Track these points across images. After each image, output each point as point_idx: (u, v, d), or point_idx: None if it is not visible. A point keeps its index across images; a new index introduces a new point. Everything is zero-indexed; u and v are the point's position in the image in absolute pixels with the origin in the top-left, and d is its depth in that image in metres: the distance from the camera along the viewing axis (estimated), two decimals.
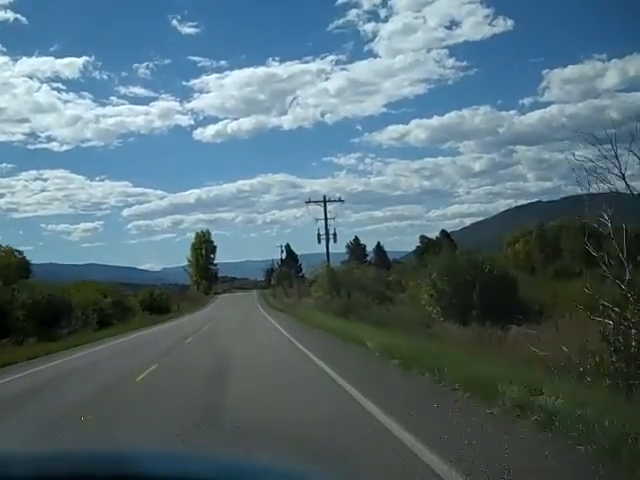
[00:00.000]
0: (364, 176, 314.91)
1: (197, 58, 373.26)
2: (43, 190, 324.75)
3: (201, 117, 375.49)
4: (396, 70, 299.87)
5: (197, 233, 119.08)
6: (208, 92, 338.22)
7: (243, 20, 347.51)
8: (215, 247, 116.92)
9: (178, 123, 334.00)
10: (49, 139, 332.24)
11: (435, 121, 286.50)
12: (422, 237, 76.68)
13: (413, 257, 71.05)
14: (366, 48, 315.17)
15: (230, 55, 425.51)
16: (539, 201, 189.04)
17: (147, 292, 58.73)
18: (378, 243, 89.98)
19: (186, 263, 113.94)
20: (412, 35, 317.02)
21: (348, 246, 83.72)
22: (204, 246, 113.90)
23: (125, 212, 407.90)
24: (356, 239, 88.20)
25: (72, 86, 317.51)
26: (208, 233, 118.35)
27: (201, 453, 1.59)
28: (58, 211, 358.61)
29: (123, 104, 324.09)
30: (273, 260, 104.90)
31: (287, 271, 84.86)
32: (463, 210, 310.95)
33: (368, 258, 79.22)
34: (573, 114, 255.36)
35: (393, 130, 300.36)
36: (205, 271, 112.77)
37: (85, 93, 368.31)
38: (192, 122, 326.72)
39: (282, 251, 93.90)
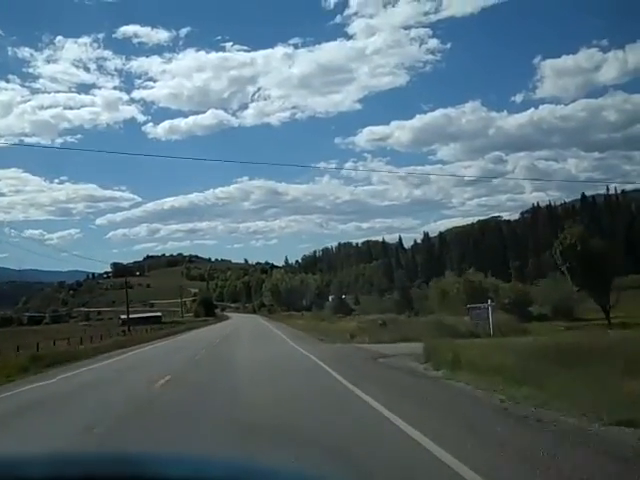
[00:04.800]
0: (348, 182, 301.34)
1: (131, 27, 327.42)
2: None
3: (152, 109, 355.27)
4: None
5: None
6: (155, 81, 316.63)
7: None
8: None
9: (126, 117, 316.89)
10: None
11: (417, 122, 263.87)
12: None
13: None
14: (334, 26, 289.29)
15: (172, 26, 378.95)
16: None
17: None
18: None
19: None
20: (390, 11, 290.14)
21: None
22: None
23: (98, 220, 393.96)
24: None
25: None
26: None
27: (211, 456, 1.43)
28: (22, 215, 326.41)
29: (57, 90, 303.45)
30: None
31: None
32: (458, 223, 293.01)
33: None
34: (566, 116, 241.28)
35: (372, 131, 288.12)
36: None
37: (10, 76, 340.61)
38: (142, 116, 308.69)
39: None
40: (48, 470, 1.21)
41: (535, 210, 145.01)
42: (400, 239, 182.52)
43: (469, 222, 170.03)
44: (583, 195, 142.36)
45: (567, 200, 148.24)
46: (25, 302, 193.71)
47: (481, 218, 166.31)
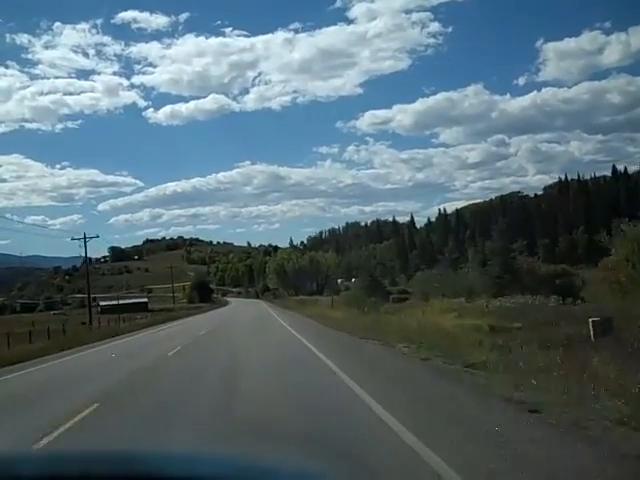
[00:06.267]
0: (351, 165, 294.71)
1: (129, 13, 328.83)
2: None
3: (152, 95, 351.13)
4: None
5: None
6: (155, 66, 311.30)
7: None
8: None
9: (126, 102, 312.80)
10: None
11: (419, 105, 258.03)
12: None
13: None
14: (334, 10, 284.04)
15: (171, 12, 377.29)
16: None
17: None
18: None
19: None
20: None
21: None
22: None
23: (101, 206, 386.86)
24: None
25: None
26: None
27: (211, 453, 1.48)
28: (24, 201, 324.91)
29: (57, 76, 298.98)
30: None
31: None
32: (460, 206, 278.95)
33: None
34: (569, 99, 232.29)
35: (374, 115, 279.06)
36: None
37: (8, 62, 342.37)
38: (143, 101, 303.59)
39: None
40: (45, 468, 1.20)
41: (562, 184, 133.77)
42: (412, 218, 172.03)
43: (486, 199, 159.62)
44: (614, 168, 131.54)
45: (597, 174, 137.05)
46: (21, 288, 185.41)
47: (502, 194, 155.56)
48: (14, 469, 1.19)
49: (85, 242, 45.22)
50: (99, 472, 1.19)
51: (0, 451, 1.46)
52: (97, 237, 47.76)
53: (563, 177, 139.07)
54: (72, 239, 46.76)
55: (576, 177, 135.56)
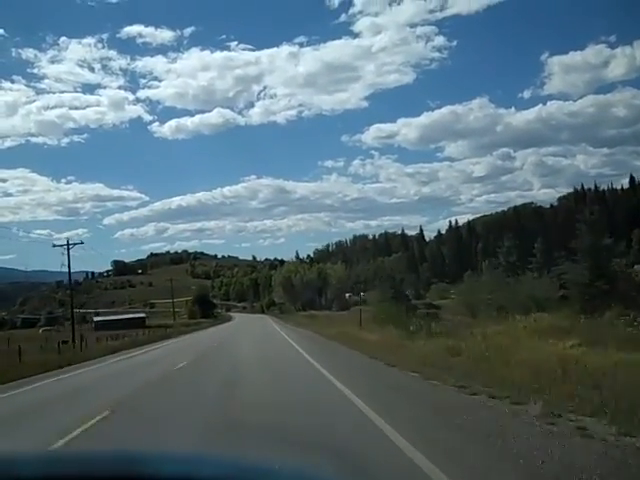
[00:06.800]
0: (356, 179, 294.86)
1: (135, 28, 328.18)
2: (5, 192, 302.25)
3: (158, 109, 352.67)
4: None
5: None
6: (160, 80, 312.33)
7: None
8: None
9: (132, 116, 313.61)
10: None
11: (424, 119, 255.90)
12: None
13: None
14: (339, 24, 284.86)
15: (176, 26, 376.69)
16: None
17: None
18: None
19: None
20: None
21: None
22: None
23: (106, 220, 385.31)
24: None
25: None
26: None
27: (210, 455, 1.44)
28: (30, 215, 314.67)
29: (62, 90, 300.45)
30: None
31: None
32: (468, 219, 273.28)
33: None
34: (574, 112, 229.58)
35: (379, 129, 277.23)
36: None
37: (14, 76, 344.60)
38: (148, 115, 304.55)
39: None
40: (45, 469, 1.20)
41: (577, 195, 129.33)
42: (421, 231, 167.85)
43: (498, 211, 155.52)
44: (632, 178, 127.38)
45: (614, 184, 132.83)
46: (22, 303, 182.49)
47: (515, 205, 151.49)
48: (14, 470, 1.18)
49: (68, 249, 41.39)
50: (99, 473, 1.18)
51: (0, 452, 1.35)
52: (82, 243, 43.91)
53: (571, 190, 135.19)
54: (53, 246, 42.90)
55: (587, 188, 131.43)
